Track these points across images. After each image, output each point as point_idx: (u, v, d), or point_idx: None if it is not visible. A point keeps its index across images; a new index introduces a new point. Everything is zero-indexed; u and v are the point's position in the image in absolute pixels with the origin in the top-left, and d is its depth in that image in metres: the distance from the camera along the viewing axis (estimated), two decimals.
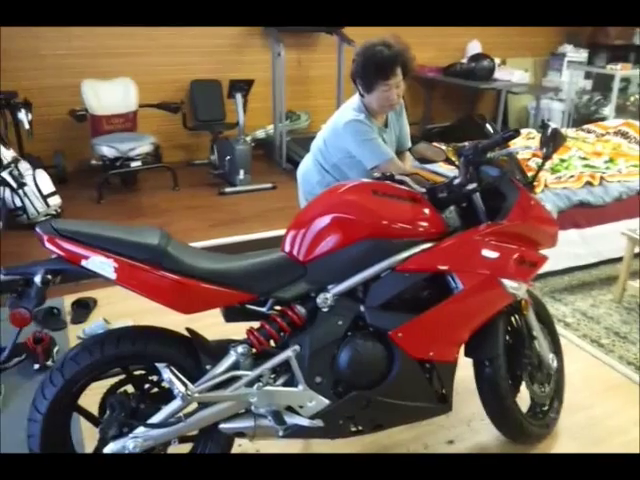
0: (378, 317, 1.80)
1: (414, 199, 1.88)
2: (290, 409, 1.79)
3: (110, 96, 4.99)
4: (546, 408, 2.29)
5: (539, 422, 2.23)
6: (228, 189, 4.99)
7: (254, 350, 1.78)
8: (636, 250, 3.32)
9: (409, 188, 1.95)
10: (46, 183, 4.14)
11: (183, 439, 1.81)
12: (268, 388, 1.74)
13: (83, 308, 3.07)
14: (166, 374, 1.64)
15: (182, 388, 1.63)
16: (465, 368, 2.01)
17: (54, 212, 4.15)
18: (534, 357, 2.15)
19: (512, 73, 6.24)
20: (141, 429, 1.67)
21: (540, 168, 1.99)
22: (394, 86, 2.33)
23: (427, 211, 1.88)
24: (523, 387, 2.16)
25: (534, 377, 2.18)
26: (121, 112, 5.05)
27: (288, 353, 1.75)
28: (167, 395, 1.75)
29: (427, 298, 1.85)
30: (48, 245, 1.54)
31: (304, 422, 1.77)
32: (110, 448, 1.66)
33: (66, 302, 3.12)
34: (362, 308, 1.81)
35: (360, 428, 1.87)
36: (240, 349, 1.73)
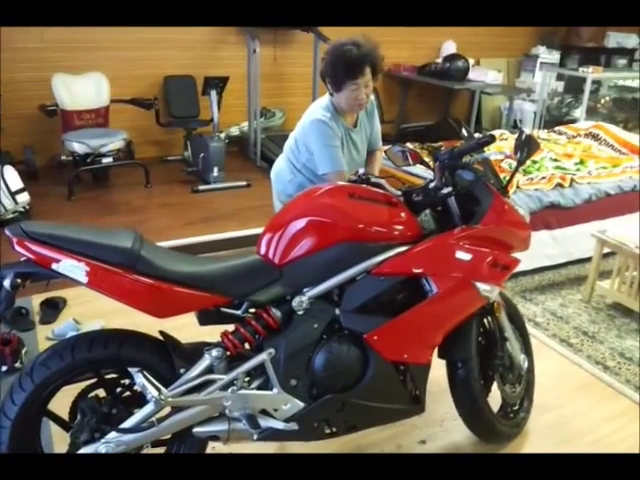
0: (353, 320, 1.81)
1: (390, 202, 1.89)
2: (265, 412, 1.78)
3: (81, 91, 4.89)
4: (517, 408, 2.33)
5: (510, 422, 2.27)
6: (202, 187, 4.95)
7: (228, 353, 1.76)
8: (605, 251, 3.39)
9: (385, 191, 1.96)
10: (14, 179, 4.05)
11: (156, 443, 1.79)
12: (243, 392, 1.73)
13: (52, 308, 3.02)
14: (139, 379, 1.62)
15: (155, 393, 1.61)
16: (437, 368, 2.02)
17: (22, 209, 4.06)
18: (506, 358, 2.18)
19: (486, 73, 6.31)
20: (113, 434, 1.64)
21: (514, 173, 2.01)
22: (363, 85, 2.33)
23: (403, 214, 1.89)
24: (494, 387, 2.19)
25: (505, 377, 2.22)
26: (92, 107, 4.96)
27: (263, 356, 1.74)
28: (140, 399, 1.73)
29: (402, 301, 1.86)
30: (17, 248, 1.50)
31: (279, 425, 1.77)
32: (81, 453, 1.63)
33: (35, 302, 3.06)
34: (337, 311, 1.81)
35: (335, 430, 1.87)
36: (214, 352, 1.72)
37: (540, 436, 2.35)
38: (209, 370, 1.71)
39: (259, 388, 1.78)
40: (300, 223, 1.79)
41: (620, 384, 2.68)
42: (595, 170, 4.04)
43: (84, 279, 1.53)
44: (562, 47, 7.45)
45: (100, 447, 1.62)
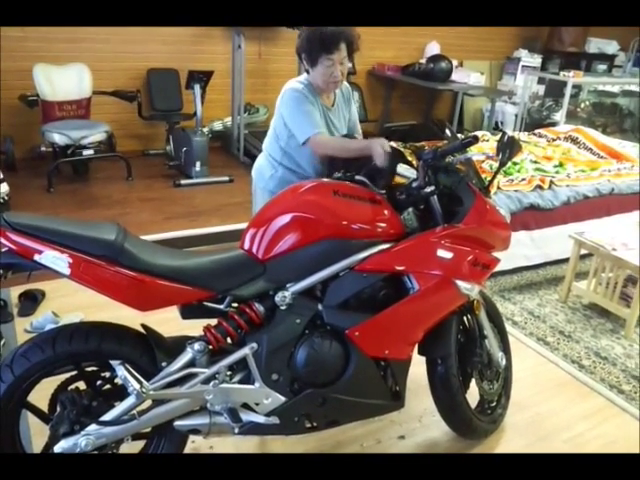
0: (336, 316, 1.82)
1: (374, 200, 1.91)
2: (246, 406, 1.79)
3: (63, 82, 4.83)
4: (494, 404, 2.37)
5: (487, 418, 2.31)
6: (184, 181, 4.92)
7: (211, 347, 1.77)
8: (582, 252, 3.45)
9: (369, 189, 1.98)
10: None
11: (136, 436, 1.78)
12: (224, 385, 1.74)
13: (31, 300, 2.98)
14: (120, 372, 1.62)
15: (137, 386, 1.61)
16: (416, 365, 2.05)
17: (1, 200, 3.99)
18: (484, 355, 2.22)
19: (469, 75, 6.37)
20: (93, 427, 1.64)
21: (495, 174, 2.05)
22: (338, 62, 2.32)
23: (386, 212, 1.91)
24: (473, 384, 2.23)
25: (484, 375, 2.26)
26: (74, 99, 4.90)
27: (245, 351, 1.75)
28: (120, 392, 1.73)
29: (384, 298, 1.88)
30: None
31: (260, 419, 1.77)
32: (61, 446, 1.62)
33: (13, 294, 3.02)
34: (320, 307, 1.82)
35: (315, 424, 1.89)
36: (197, 346, 1.72)
37: (516, 433, 2.39)
38: (191, 364, 1.72)
39: (241, 382, 1.78)
40: (285, 219, 1.80)
41: (595, 382, 2.74)
42: (574, 173, 4.10)
43: (66, 271, 1.52)
44: (544, 51, 7.55)
45: (80, 439, 1.62)
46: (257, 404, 1.78)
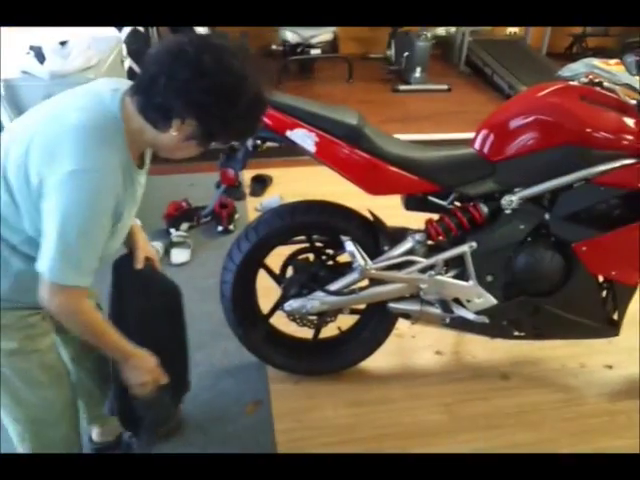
0: (563, 227, 1.75)
1: (623, 109, 1.74)
2: (457, 302, 1.84)
3: None
4: None
5: None
6: (402, 86, 4.91)
7: (430, 242, 1.83)
8: None
9: (619, 98, 1.80)
10: None
11: (352, 311, 1.95)
12: (439, 278, 1.80)
13: (260, 183, 3.31)
14: (349, 247, 1.75)
15: (362, 262, 1.74)
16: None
17: None
18: None
19: None
20: (319, 293, 1.82)
21: None
22: None
23: (635, 124, 1.73)
24: None
25: None
26: None
27: (464, 248, 1.77)
28: (341, 268, 1.89)
29: (619, 216, 1.76)
30: None
31: (470, 316, 1.82)
32: (290, 304, 1.85)
33: (246, 176, 3.37)
34: (547, 216, 1.76)
35: (522, 334, 1.89)
36: (417, 237, 1.79)
37: None
38: (410, 252, 1.80)
39: (455, 278, 1.83)
40: (523, 120, 1.73)
41: None
42: None
43: (313, 148, 1.66)
44: None
45: (307, 302, 1.82)
46: (468, 301, 1.82)
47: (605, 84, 1.89)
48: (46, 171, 1.08)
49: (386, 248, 1.80)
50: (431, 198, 1.81)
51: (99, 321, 1.22)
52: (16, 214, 1.14)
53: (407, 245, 1.79)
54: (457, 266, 1.84)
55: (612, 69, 2.26)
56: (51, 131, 1.12)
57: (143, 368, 1.32)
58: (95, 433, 1.78)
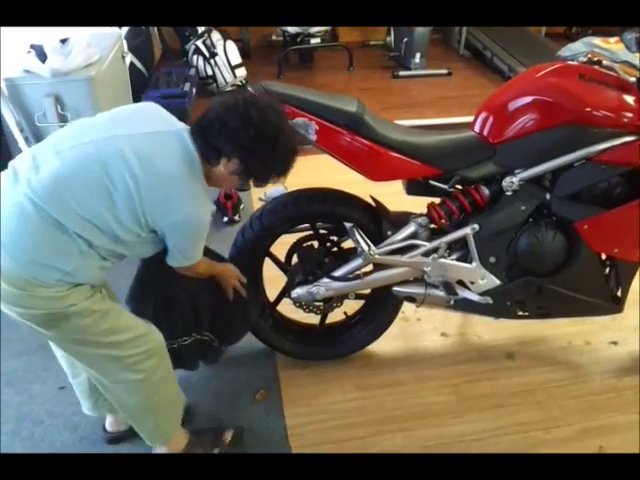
0: (565, 207, 1.77)
1: (622, 87, 1.75)
2: (461, 284, 1.86)
3: None
4: None
5: None
6: (402, 72, 4.90)
7: (432, 226, 1.85)
8: None
9: (618, 75, 1.81)
10: (234, 54, 4.35)
11: (358, 296, 1.98)
12: (442, 260, 1.82)
13: None
14: (353, 233, 1.77)
15: (365, 247, 1.77)
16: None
17: (239, 83, 4.39)
18: None
19: None
20: (324, 280, 1.85)
21: None
22: None
23: (635, 101, 1.74)
24: None
25: None
26: None
27: (466, 230, 1.79)
28: (345, 255, 1.92)
29: (620, 194, 1.77)
30: None
31: (474, 297, 1.85)
32: (296, 292, 1.87)
33: None
34: (548, 196, 1.78)
35: (526, 313, 1.91)
36: (420, 220, 1.81)
37: None
38: (413, 236, 1.82)
39: (458, 260, 1.85)
40: (522, 101, 1.74)
41: None
42: None
43: (313, 137, 1.67)
44: None
45: (313, 289, 1.85)
46: (472, 283, 1.85)
47: (604, 62, 1.89)
48: (161, 216, 1.39)
49: (389, 233, 1.81)
50: (432, 182, 1.83)
51: (204, 267, 1.65)
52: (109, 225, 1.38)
53: (410, 229, 1.81)
54: (460, 249, 1.86)
55: (612, 47, 2.27)
56: (153, 184, 1.35)
57: (233, 275, 1.76)
58: (108, 423, 1.82)
